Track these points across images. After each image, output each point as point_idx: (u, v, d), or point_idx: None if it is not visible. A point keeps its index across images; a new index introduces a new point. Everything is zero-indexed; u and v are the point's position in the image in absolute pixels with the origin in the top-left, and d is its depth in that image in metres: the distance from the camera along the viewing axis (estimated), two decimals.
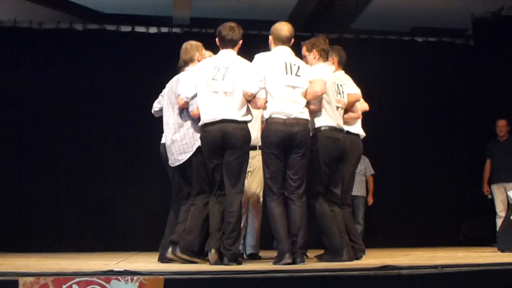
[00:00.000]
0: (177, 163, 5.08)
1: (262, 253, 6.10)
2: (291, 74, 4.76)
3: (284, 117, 4.69)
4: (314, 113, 4.99)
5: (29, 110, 8.96)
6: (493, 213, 8.33)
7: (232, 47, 4.88)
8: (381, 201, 9.16)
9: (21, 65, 9.01)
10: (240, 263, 4.67)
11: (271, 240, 4.95)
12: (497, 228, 7.58)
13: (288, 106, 4.71)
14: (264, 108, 4.78)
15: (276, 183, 4.73)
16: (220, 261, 4.61)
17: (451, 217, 9.49)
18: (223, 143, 4.70)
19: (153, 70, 8.44)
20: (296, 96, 4.75)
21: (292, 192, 4.71)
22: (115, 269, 3.52)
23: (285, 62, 4.77)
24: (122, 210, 8.99)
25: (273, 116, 4.71)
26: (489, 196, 8.48)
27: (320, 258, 5.03)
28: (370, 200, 8.90)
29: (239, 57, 4.87)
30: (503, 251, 6.41)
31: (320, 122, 5.00)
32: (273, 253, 4.92)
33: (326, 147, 4.96)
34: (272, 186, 4.74)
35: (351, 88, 5.37)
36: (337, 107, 5.09)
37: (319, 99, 4.91)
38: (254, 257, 5.93)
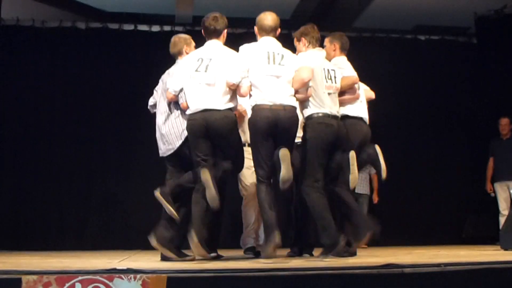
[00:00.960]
0: (168, 153, 5.17)
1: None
2: (274, 63, 4.80)
3: (270, 103, 4.73)
4: (304, 103, 4.99)
5: (31, 109, 8.96)
6: (496, 212, 8.33)
7: (217, 37, 4.94)
8: (384, 199, 9.15)
9: (24, 64, 9.01)
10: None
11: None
12: (500, 227, 7.58)
13: (273, 95, 4.75)
14: (250, 97, 4.89)
15: (263, 169, 4.74)
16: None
17: (454, 216, 9.48)
18: (208, 132, 4.73)
19: (155, 68, 8.38)
20: (280, 85, 4.78)
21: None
22: (118, 267, 3.53)
23: (268, 52, 4.83)
24: (125, 208, 8.99)
25: (258, 103, 4.77)
26: (492, 195, 8.48)
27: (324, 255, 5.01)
28: (375, 198, 8.90)
29: (224, 48, 4.92)
30: (506, 249, 6.39)
31: (310, 110, 4.99)
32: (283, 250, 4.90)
33: (319, 133, 4.93)
34: (260, 172, 4.75)
35: (347, 72, 5.33)
36: (328, 93, 5.05)
37: (306, 86, 4.88)
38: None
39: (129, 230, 8.91)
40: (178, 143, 5.09)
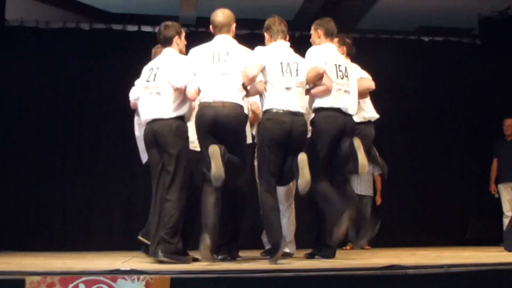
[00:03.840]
0: (144, 161, 5.43)
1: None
2: (219, 61, 4.77)
3: (210, 101, 4.72)
4: (262, 99, 4.89)
5: (35, 109, 8.98)
6: (500, 213, 8.31)
7: (169, 45, 5.05)
8: (387, 200, 9.14)
9: (27, 65, 9.02)
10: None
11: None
12: (504, 228, 7.56)
13: (215, 92, 4.73)
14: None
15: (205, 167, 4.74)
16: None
17: (458, 217, 9.46)
18: (156, 142, 4.87)
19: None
20: (224, 83, 4.74)
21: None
22: (121, 268, 3.53)
23: (213, 52, 4.82)
24: (128, 209, 8.98)
25: (202, 101, 4.78)
26: (496, 196, 8.47)
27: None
28: (379, 200, 8.89)
29: (174, 54, 5.02)
30: (510, 250, 6.38)
31: (265, 106, 4.87)
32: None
33: (267, 129, 4.78)
34: (204, 171, 4.76)
35: (313, 63, 5.02)
36: (287, 88, 4.82)
37: (253, 82, 4.77)
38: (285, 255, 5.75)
39: (133, 231, 8.89)
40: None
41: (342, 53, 5.46)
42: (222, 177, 4.47)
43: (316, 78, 4.96)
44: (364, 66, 5.60)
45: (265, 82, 4.81)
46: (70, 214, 8.89)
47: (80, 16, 9.33)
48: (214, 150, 4.49)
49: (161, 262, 4.67)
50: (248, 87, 4.80)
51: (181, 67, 4.88)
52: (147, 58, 9.22)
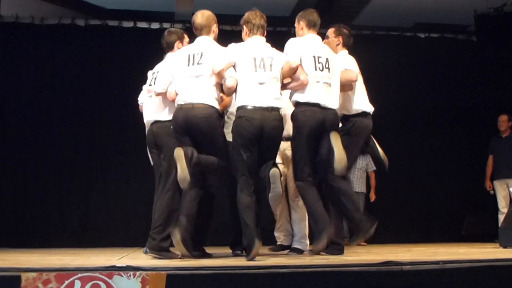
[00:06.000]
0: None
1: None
2: (194, 64, 4.86)
3: (182, 103, 4.83)
4: (237, 96, 4.85)
5: (31, 106, 8.96)
6: (495, 209, 8.33)
7: (170, 50, 5.37)
8: (383, 196, 9.16)
9: (23, 61, 9.01)
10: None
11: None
12: (499, 224, 7.58)
13: (187, 94, 4.83)
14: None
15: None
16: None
17: (453, 213, 9.48)
18: (155, 143, 5.24)
19: (155, 65, 8.42)
20: (198, 85, 4.81)
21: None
22: (117, 265, 3.53)
23: (189, 54, 4.90)
24: (124, 206, 9.00)
25: (177, 103, 4.88)
26: (491, 192, 8.48)
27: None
28: (372, 197, 8.89)
29: (166, 59, 5.29)
30: (505, 247, 6.41)
31: (237, 103, 4.84)
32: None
33: (237, 127, 4.77)
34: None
35: (288, 57, 4.91)
36: (260, 83, 4.76)
37: (221, 77, 4.78)
38: (295, 251, 5.80)
39: (129, 227, 8.92)
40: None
41: (338, 43, 5.40)
42: (187, 180, 4.54)
43: (290, 72, 4.88)
44: (360, 62, 5.56)
45: (237, 79, 4.79)
46: (66, 210, 8.89)
47: (76, 12, 9.31)
48: (178, 153, 4.58)
49: (154, 257, 4.87)
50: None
51: (162, 72, 5.14)
52: (142, 54, 9.27)
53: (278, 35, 8.46)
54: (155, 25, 9.32)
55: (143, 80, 5.74)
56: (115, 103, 8.99)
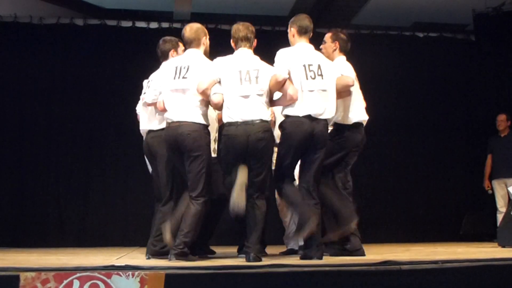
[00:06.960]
0: None
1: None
2: (179, 78, 4.83)
3: (170, 121, 4.84)
4: (222, 111, 4.81)
5: (29, 106, 8.94)
6: (494, 209, 8.33)
7: (164, 59, 5.40)
8: (382, 196, 9.16)
9: (21, 61, 8.98)
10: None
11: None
12: (498, 224, 7.58)
13: (173, 112, 4.84)
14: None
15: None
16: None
17: (452, 213, 9.49)
18: (150, 152, 5.41)
19: (154, 65, 8.40)
20: (184, 100, 4.80)
21: (190, 191, 4.79)
22: (116, 264, 3.54)
23: (176, 67, 4.89)
24: (123, 205, 8.98)
25: (166, 120, 4.90)
26: (490, 192, 8.49)
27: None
28: None
29: (161, 67, 5.28)
30: (503, 246, 6.41)
31: (223, 119, 4.81)
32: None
33: (222, 146, 4.80)
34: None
35: (275, 69, 4.79)
36: (245, 96, 4.68)
37: (206, 95, 4.76)
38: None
39: (128, 227, 8.91)
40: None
41: (334, 49, 5.34)
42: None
43: (277, 85, 4.76)
44: (358, 62, 5.54)
45: (223, 93, 4.76)
46: (65, 210, 8.87)
47: (74, 12, 9.29)
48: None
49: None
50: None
51: (152, 83, 5.23)
52: (141, 53, 9.27)
53: (277, 34, 8.44)
54: (153, 25, 9.30)
55: (142, 79, 5.75)
56: (114, 103, 8.98)
